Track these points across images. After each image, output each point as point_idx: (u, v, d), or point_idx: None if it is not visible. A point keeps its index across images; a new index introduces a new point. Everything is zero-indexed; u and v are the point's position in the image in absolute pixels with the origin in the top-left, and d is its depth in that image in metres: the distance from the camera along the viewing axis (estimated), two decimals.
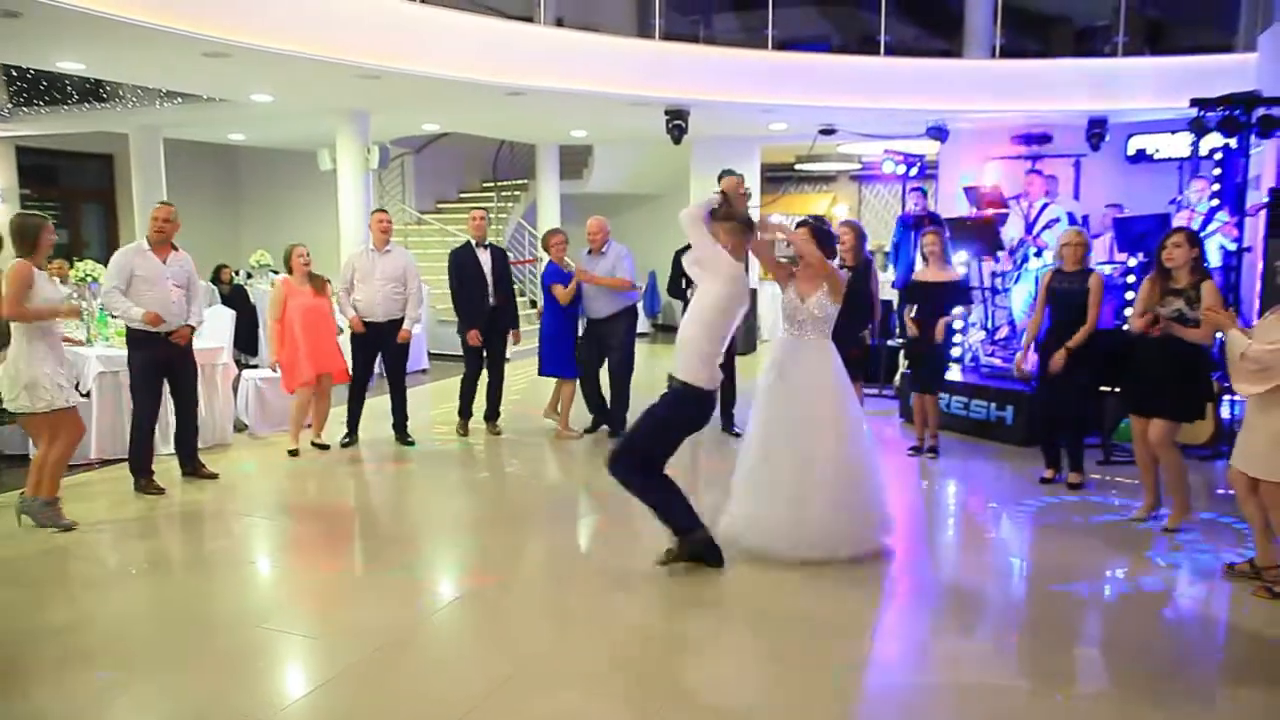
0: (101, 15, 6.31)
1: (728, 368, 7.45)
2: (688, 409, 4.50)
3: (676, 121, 10.65)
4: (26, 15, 6.30)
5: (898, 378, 8.91)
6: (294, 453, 6.93)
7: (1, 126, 12.06)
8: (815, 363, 4.73)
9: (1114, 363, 5.80)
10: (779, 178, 17.25)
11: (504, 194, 15.12)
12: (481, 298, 7.42)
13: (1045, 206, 8.32)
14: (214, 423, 7.20)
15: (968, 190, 9.92)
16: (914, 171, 10.65)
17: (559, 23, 10.06)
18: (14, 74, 8.97)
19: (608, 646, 3.91)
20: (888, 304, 10.02)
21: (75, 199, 14.75)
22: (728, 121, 11.67)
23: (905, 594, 4.50)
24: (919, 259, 7.02)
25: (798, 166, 16.97)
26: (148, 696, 3.55)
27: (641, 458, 4.54)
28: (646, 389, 8.57)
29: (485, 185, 15.56)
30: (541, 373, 7.55)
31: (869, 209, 17.69)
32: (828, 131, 11.93)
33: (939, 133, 11.21)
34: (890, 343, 9.39)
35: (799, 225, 4.91)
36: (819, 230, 4.83)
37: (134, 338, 5.92)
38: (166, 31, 6.78)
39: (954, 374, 7.76)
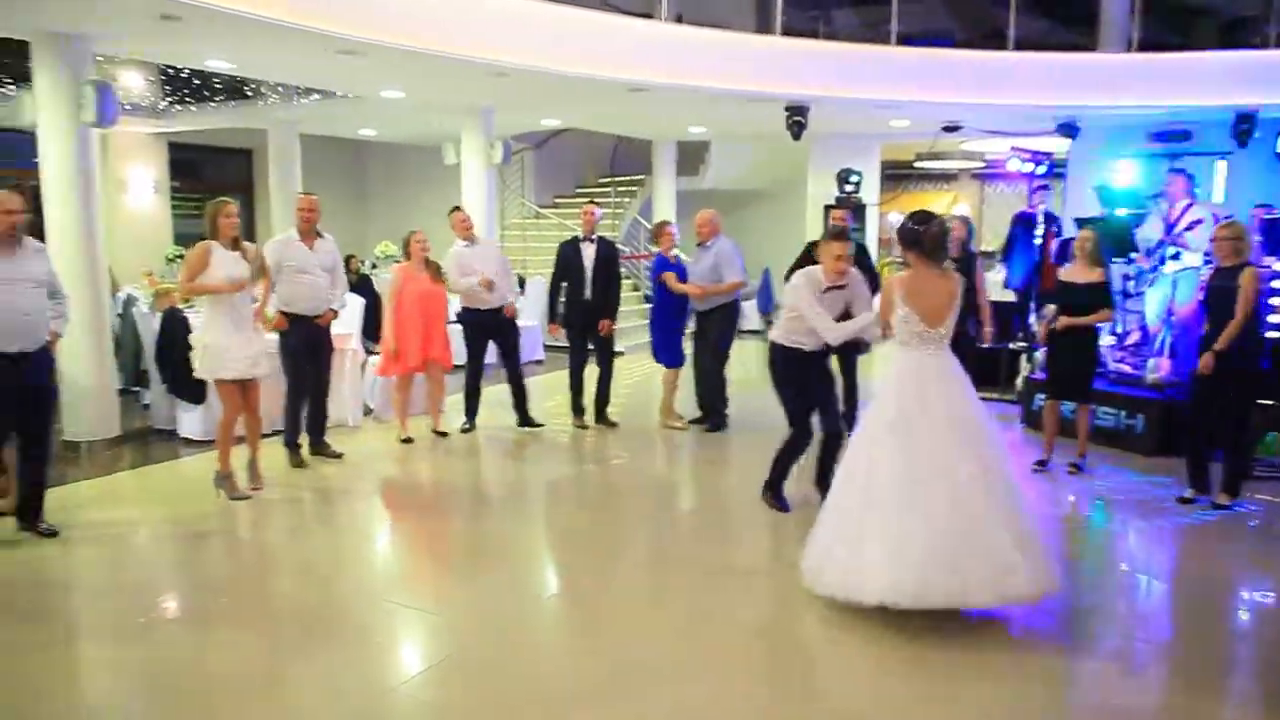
0: (249, 16, 6.68)
1: (849, 370, 7.28)
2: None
3: (796, 118, 10.56)
4: (185, 19, 6.73)
5: (1019, 382, 8.63)
6: (407, 440, 7.10)
7: (157, 123, 12.87)
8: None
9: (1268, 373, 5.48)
10: (899, 175, 16.87)
11: (620, 189, 15.26)
12: (578, 292, 7.53)
13: (1188, 207, 7.91)
14: (343, 406, 7.53)
15: (1100, 190, 9.52)
16: (1041, 170, 10.29)
17: (678, 19, 10.11)
18: (170, 73, 9.58)
19: (718, 644, 3.91)
20: (1005, 305, 9.73)
21: (218, 192, 15.48)
22: (848, 118, 11.51)
23: (1039, 610, 4.10)
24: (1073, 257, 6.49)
25: (918, 164, 16.58)
26: (280, 660, 3.78)
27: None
28: (745, 386, 8.59)
29: (602, 180, 15.73)
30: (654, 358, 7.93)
31: (991, 208, 17.14)
32: (952, 128, 11.64)
33: (1069, 129, 10.79)
34: (1010, 346, 9.10)
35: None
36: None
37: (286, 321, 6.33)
38: (307, 30, 7.12)
39: None
